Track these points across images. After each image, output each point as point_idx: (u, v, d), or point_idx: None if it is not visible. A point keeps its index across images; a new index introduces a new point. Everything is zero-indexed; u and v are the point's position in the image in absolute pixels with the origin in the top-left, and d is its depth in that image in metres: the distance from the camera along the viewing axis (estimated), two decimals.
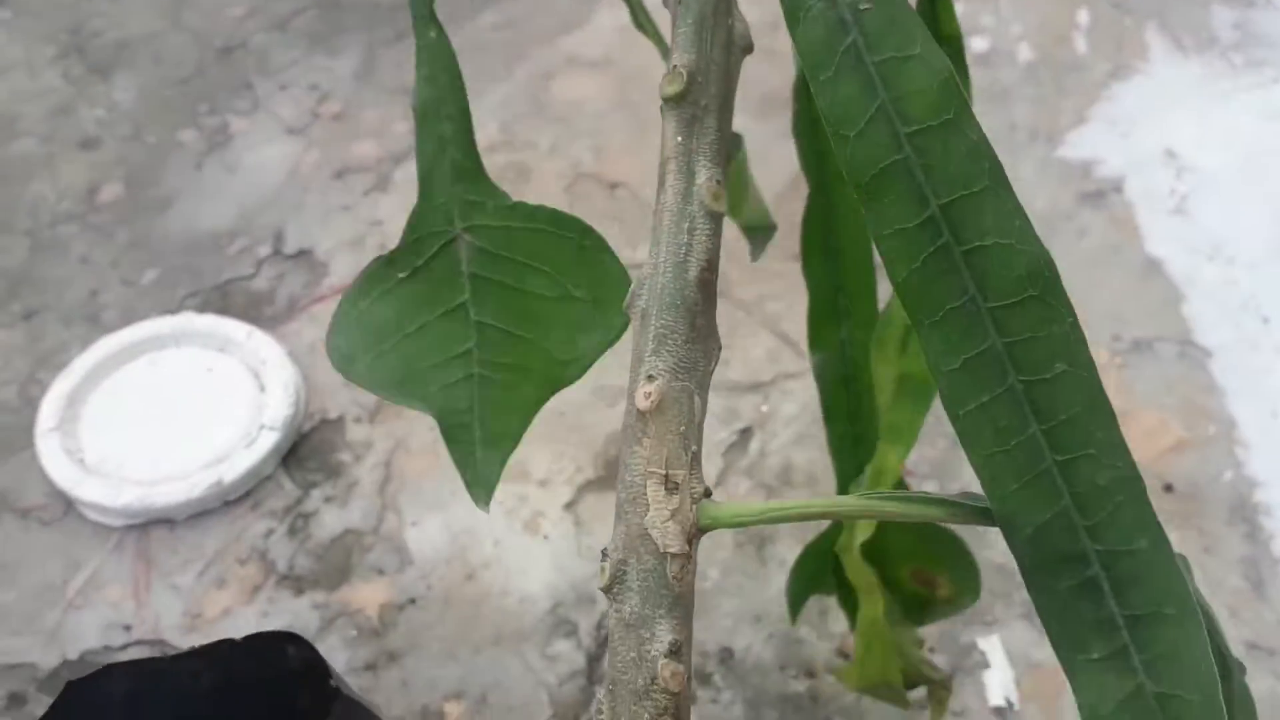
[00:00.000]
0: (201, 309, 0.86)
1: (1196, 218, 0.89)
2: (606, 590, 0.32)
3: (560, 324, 0.38)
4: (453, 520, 0.73)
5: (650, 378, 0.33)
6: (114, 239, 0.94)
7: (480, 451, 0.39)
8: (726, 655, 0.66)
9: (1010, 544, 0.30)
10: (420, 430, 0.78)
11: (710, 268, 0.35)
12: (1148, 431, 0.75)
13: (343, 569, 0.71)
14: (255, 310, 0.86)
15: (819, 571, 0.60)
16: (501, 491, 0.75)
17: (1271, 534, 0.69)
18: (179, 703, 0.44)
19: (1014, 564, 0.66)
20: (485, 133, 0.96)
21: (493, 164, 0.95)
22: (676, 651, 0.31)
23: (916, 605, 0.56)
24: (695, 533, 0.32)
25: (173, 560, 0.72)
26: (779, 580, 0.69)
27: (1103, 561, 0.30)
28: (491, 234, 0.38)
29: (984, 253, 0.30)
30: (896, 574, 0.55)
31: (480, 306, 0.38)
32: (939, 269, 0.30)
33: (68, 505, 0.75)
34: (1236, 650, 0.64)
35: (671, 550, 0.31)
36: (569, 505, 0.74)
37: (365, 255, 0.89)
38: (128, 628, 0.69)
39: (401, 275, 0.38)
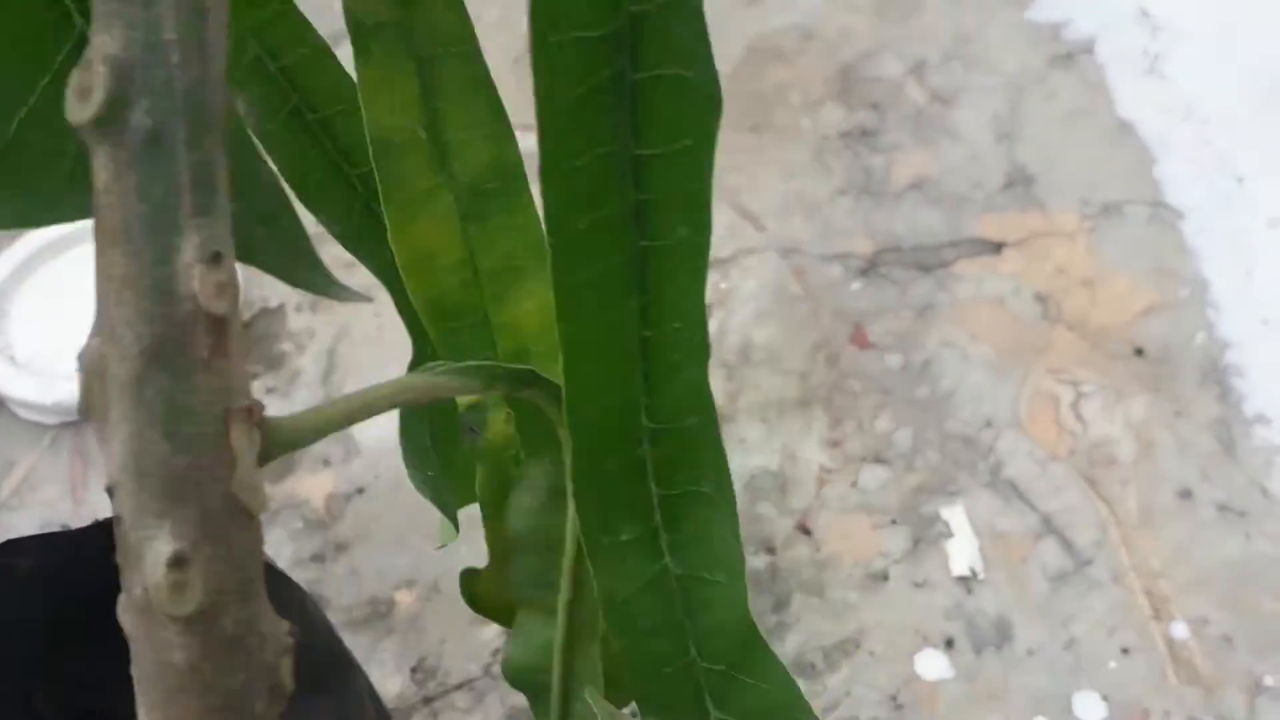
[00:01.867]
0: None
1: (1170, 78, 0.85)
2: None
3: None
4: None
5: None
6: None
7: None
8: None
9: (571, 424, 0.27)
10: (364, 318, 0.75)
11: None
12: (1118, 295, 0.73)
13: (286, 461, 0.68)
14: None
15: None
16: None
17: (1243, 395, 0.67)
18: (92, 578, 0.41)
19: (975, 433, 0.63)
20: None
21: None
22: None
23: None
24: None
25: None
26: (738, 459, 0.67)
27: (653, 439, 0.28)
28: None
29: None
30: None
31: None
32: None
33: None
34: (1206, 513, 0.63)
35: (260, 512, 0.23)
36: None
37: None
38: (65, 527, 0.66)
39: None
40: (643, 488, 0.28)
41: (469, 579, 0.38)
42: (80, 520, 0.67)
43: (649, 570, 0.29)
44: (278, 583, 0.41)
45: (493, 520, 0.37)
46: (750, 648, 0.30)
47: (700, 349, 0.27)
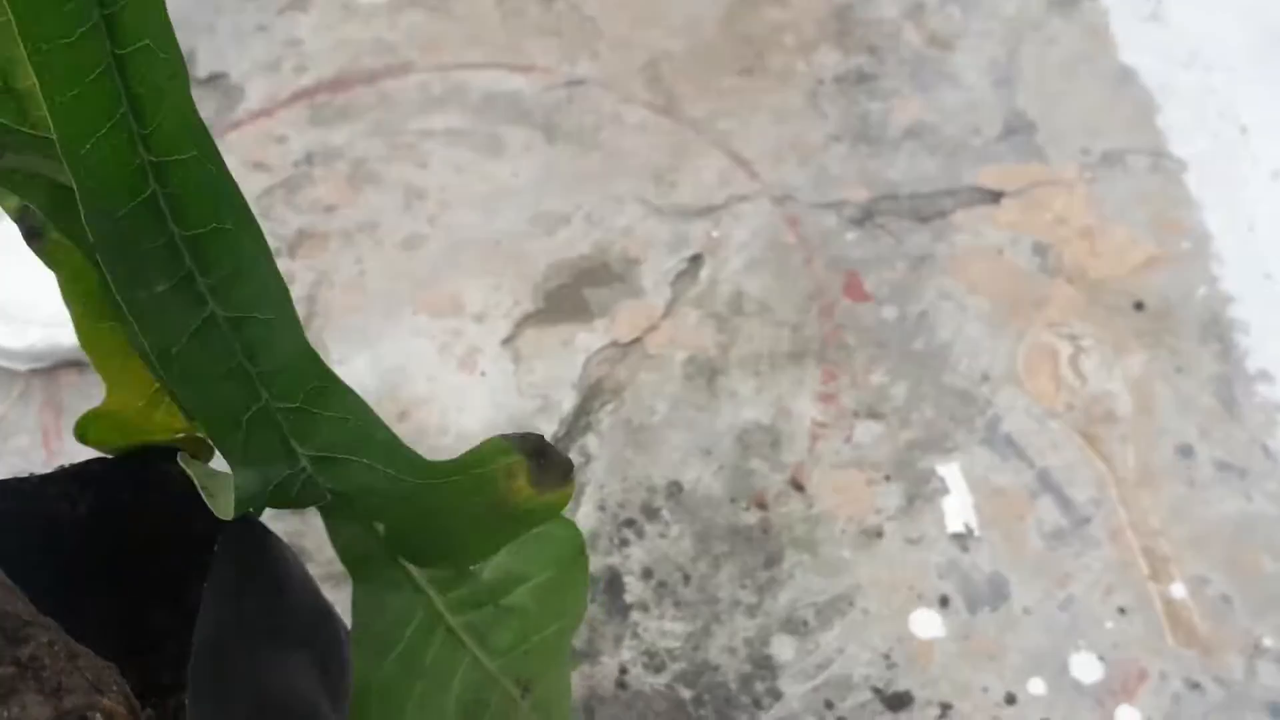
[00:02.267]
0: None
1: (1173, 23, 0.83)
2: None
3: None
4: (382, 357, 0.68)
5: None
6: None
7: None
8: (675, 489, 0.63)
9: (71, 167, 0.26)
10: (345, 264, 0.73)
11: None
12: (1118, 247, 0.71)
13: None
14: None
15: None
16: (435, 327, 0.70)
17: (1245, 351, 0.66)
18: (52, 529, 0.39)
19: (972, 387, 0.61)
20: None
21: None
22: None
23: None
24: None
25: (84, 405, 0.67)
26: (730, 413, 0.65)
27: (158, 177, 0.27)
28: None
29: None
30: None
31: None
32: None
33: None
34: (1205, 471, 0.61)
35: None
36: (507, 341, 0.69)
37: (283, 79, 0.83)
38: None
39: None
40: (162, 229, 0.27)
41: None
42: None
43: (194, 318, 0.28)
44: (257, 534, 0.39)
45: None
46: (319, 382, 0.30)
47: (177, 71, 0.26)
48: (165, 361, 0.28)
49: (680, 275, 0.72)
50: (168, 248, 0.27)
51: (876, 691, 0.56)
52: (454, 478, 0.32)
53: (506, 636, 0.41)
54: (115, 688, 0.30)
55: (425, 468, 0.31)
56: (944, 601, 0.58)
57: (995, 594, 0.58)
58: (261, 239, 0.28)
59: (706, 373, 0.67)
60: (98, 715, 0.29)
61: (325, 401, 0.30)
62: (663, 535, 0.61)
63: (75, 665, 0.30)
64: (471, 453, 0.31)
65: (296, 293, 0.71)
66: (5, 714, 0.28)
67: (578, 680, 0.57)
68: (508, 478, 0.33)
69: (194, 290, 0.28)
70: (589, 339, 0.69)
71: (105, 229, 0.26)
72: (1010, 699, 0.55)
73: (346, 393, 0.30)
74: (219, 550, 0.35)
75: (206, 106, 0.81)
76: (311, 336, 0.69)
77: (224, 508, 0.31)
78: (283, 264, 0.73)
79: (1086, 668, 0.56)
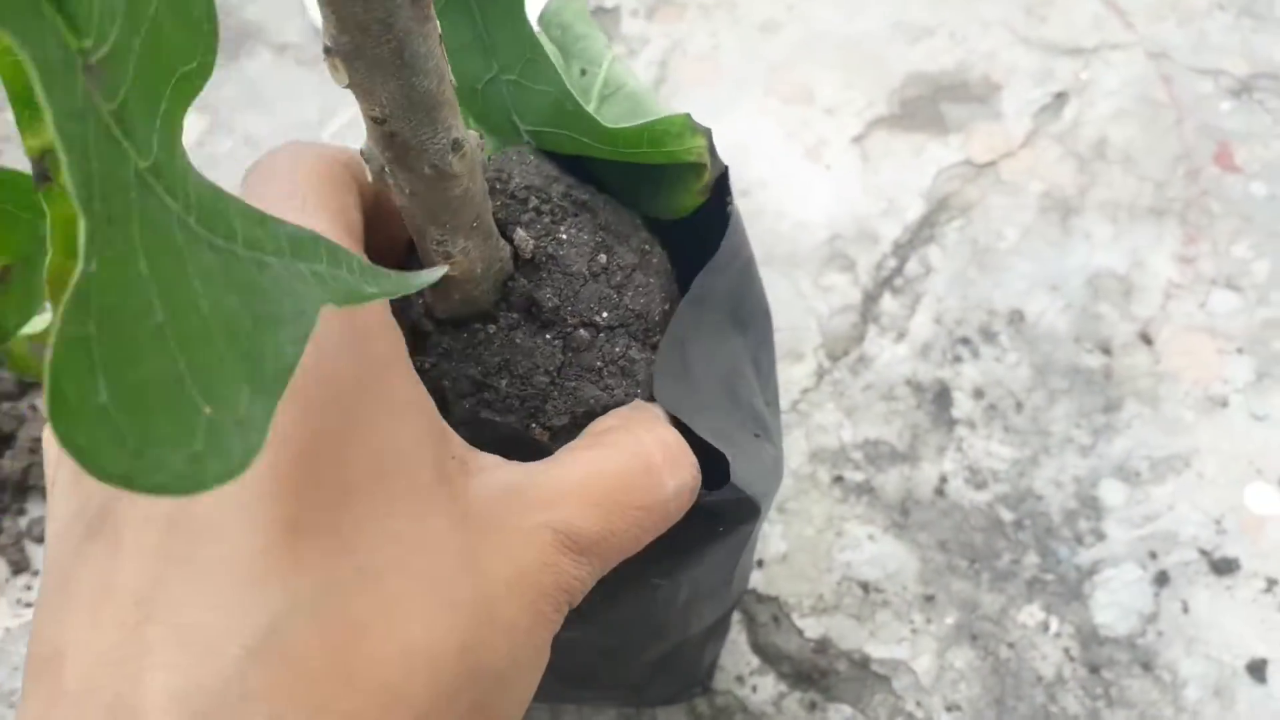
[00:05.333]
0: None
1: None
2: None
3: None
4: (728, 131, 0.67)
5: None
6: None
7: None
8: (1016, 317, 0.61)
9: None
10: (700, 35, 0.71)
11: None
12: None
13: None
14: None
15: None
16: (784, 112, 0.69)
17: None
18: None
19: None
20: None
21: None
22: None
23: None
24: None
25: None
26: (1083, 253, 0.63)
27: None
28: None
29: None
30: None
31: None
32: None
33: None
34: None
35: None
36: (857, 139, 0.67)
37: None
38: None
39: None
40: None
41: None
42: None
43: None
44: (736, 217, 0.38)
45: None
46: (531, 54, 0.32)
47: None
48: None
49: (1043, 109, 0.69)
50: None
51: (1203, 553, 0.54)
52: (642, 150, 0.33)
53: None
54: None
55: (612, 137, 0.32)
56: None
57: None
58: None
59: (1061, 209, 0.65)
60: None
61: (534, 73, 0.32)
62: (998, 360, 0.60)
63: None
64: (658, 128, 0.32)
65: (649, 56, 0.70)
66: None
67: (895, 478, 0.56)
68: (691, 158, 0.33)
69: None
70: (942, 152, 0.67)
71: None
72: None
73: (550, 66, 0.32)
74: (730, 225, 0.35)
75: None
76: (659, 101, 0.68)
77: None
78: (639, 25, 0.72)
79: None
